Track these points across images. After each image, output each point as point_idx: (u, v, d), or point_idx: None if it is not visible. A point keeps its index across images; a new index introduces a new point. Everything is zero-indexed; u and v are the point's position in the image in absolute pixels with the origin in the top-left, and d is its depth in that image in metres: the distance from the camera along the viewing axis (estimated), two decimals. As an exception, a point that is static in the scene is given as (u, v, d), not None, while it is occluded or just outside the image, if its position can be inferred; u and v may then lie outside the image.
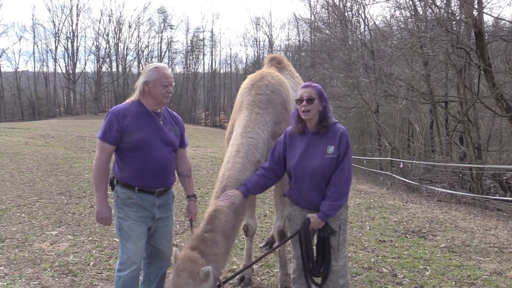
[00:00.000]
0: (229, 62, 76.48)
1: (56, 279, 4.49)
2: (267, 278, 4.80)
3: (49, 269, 4.72)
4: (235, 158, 3.69)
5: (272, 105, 4.07)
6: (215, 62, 78.77)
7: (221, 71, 75.92)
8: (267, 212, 7.82)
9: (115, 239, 5.77)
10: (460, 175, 16.63)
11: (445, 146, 19.50)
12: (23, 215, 6.83)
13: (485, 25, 14.73)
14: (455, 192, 13.67)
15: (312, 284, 3.58)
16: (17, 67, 64.21)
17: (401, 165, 17.71)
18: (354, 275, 4.92)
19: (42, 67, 65.48)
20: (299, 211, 3.57)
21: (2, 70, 61.82)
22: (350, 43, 25.80)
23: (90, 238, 5.83)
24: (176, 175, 3.69)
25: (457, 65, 15.02)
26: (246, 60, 73.20)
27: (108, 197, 3.35)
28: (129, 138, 3.30)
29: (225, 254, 3.43)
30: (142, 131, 3.33)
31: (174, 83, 3.48)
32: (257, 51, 69.12)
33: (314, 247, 3.63)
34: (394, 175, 17.05)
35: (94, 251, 5.35)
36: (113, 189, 3.45)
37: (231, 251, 3.68)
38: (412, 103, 20.44)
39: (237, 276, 4.62)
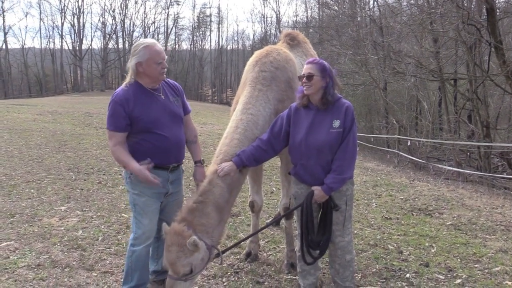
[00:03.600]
0: (236, 38, 76.13)
1: (65, 253, 4.56)
2: (274, 254, 4.84)
3: (58, 244, 4.79)
4: (233, 134, 3.67)
5: (276, 82, 4.00)
6: (222, 38, 78.57)
7: (228, 48, 75.52)
8: (274, 189, 7.85)
9: (123, 214, 5.83)
10: (468, 153, 16.55)
11: (453, 124, 19.34)
12: (32, 190, 6.90)
13: (496, 1, 14.45)
14: (463, 170, 13.64)
15: (308, 256, 3.60)
16: (24, 44, 64.53)
17: (409, 143, 17.66)
18: (360, 251, 4.95)
19: (48, 43, 65.53)
20: (306, 189, 3.58)
21: (9, 46, 61.84)
22: (358, 19, 25.47)
23: (99, 214, 5.89)
24: None
25: (467, 42, 14.78)
26: (253, 37, 72.76)
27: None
28: (139, 123, 3.32)
29: (218, 226, 3.42)
30: (148, 114, 3.33)
31: (167, 57, 3.43)
32: (264, 28, 68.59)
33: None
34: (401, 153, 17.02)
35: (102, 227, 5.41)
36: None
37: (226, 223, 3.68)
38: (420, 80, 20.24)
39: (244, 252, 4.68)
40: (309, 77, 3.43)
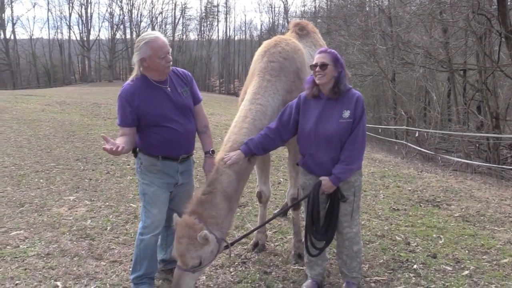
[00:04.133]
0: (243, 29, 76.13)
1: (74, 242, 4.60)
2: (281, 244, 4.85)
3: (67, 233, 4.83)
4: (242, 123, 3.67)
5: (284, 72, 3.98)
6: (230, 29, 78.43)
7: (236, 38, 75.36)
8: (281, 179, 7.86)
9: (131, 204, 5.86)
10: (477, 145, 16.44)
11: (462, 115, 19.19)
12: (41, 180, 6.96)
13: (508, -10, 14.24)
14: (471, 161, 13.57)
15: (311, 247, 3.61)
16: (32, 34, 64.51)
17: (417, 134, 17.57)
18: (367, 242, 4.95)
19: (56, 34, 65.79)
20: (314, 180, 3.58)
21: (17, 37, 62.05)
22: (367, 9, 25.23)
23: (107, 204, 5.92)
24: None
25: (477, 32, 14.62)
26: (261, 27, 72.65)
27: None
28: (145, 118, 3.33)
29: (227, 216, 3.44)
30: (155, 108, 3.34)
31: (170, 49, 3.40)
32: (272, 18, 68.45)
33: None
34: (409, 144, 16.93)
35: (111, 216, 5.45)
36: (135, 156, 3.49)
37: (234, 213, 3.69)
38: (429, 71, 20.10)
39: (251, 242, 4.69)
40: (323, 66, 3.41)
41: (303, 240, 3.99)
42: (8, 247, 4.40)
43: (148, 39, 3.29)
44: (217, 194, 3.34)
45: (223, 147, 3.62)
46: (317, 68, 3.41)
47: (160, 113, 3.34)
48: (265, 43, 4.26)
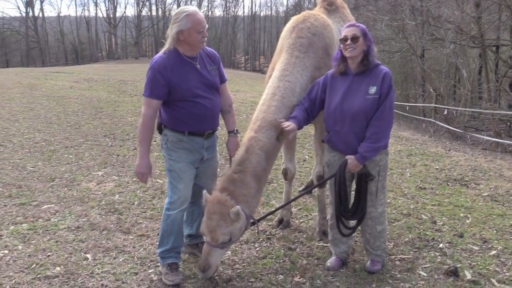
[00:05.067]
0: (269, 4, 75.29)
1: (103, 216, 4.71)
2: (306, 221, 4.87)
3: (96, 208, 4.95)
4: (270, 101, 3.64)
5: (313, 49, 3.91)
6: (255, 4, 77.54)
7: (261, 14, 74.59)
8: (306, 157, 7.84)
9: (158, 180, 5.95)
10: (508, 123, 16.05)
11: (494, 92, 18.70)
12: (70, 156, 7.11)
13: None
14: (502, 140, 13.26)
15: (342, 227, 3.61)
16: (60, 12, 65.39)
17: (445, 112, 17.21)
18: (392, 220, 4.92)
19: (83, 11, 66.65)
20: (339, 157, 3.56)
21: (45, 15, 62.87)
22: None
23: (134, 179, 6.02)
24: None
25: (511, 6, 14.10)
26: (287, 2, 71.67)
27: (149, 152, 3.45)
28: (176, 92, 3.33)
29: (256, 194, 3.47)
30: (186, 83, 3.35)
31: (207, 25, 3.39)
32: (298, -7, 66.98)
33: (353, 193, 3.65)
34: (437, 122, 16.63)
35: (138, 191, 5.55)
36: (161, 133, 3.52)
37: (262, 192, 3.71)
38: (460, 47, 19.57)
39: (276, 218, 4.72)
40: (354, 38, 3.36)
41: (327, 217, 4.00)
42: (40, 220, 4.54)
43: (189, 12, 3.28)
44: (248, 173, 3.36)
45: (251, 126, 3.60)
46: (348, 41, 3.36)
47: (189, 88, 3.36)
48: (294, 19, 4.19)
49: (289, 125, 3.46)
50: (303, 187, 5.99)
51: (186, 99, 3.36)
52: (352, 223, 3.70)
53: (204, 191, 3.36)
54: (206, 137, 3.51)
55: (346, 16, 4.90)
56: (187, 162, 3.46)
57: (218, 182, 3.36)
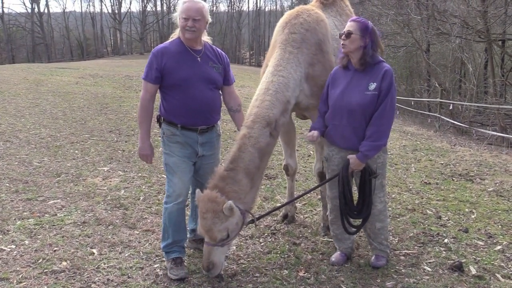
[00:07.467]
0: (274, -1, 74.45)
1: (109, 211, 4.74)
2: (310, 217, 4.88)
3: (102, 203, 4.98)
4: (264, 96, 3.61)
5: (306, 44, 3.86)
6: (260, -1, 76.95)
7: (266, 9, 74.30)
8: (311, 152, 7.84)
9: (163, 175, 5.97)
10: (514, 118, 15.96)
11: (499, 87, 18.58)
12: (76, 151, 7.15)
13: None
14: (507, 135, 13.18)
15: (348, 226, 3.62)
16: (65, 7, 65.36)
17: (451, 107, 17.14)
18: (397, 216, 4.92)
19: (88, 7, 66.51)
20: (337, 151, 3.57)
21: (51, 10, 62.99)
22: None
23: (140, 174, 6.06)
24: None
25: (518, 0, 14.00)
26: (292, -3, 70.99)
27: (150, 136, 3.52)
28: (169, 77, 3.40)
29: (250, 192, 3.42)
30: (181, 71, 3.39)
31: (198, 17, 3.36)
32: (303, -12, 66.73)
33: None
34: (442, 117, 16.56)
35: (143, 187, 5.57)
36: (160, 126, 3.56)
37: (258, 188, 3.67)
38: (466, 41, 19.44)
39: (281, 214, 4.73)
40: (348, 34, 3.38)
41: (327, 213, 3.99)
42: (46, 215, 4.57)
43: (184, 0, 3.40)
44: (240, 171, 3.32)
45: (244, 121, 3.57)
46: (343, 37, 3.41)
47: (184, 77, 3.39)
48: (287, 14, 4.16)
49: (312, 134, 3.56)
50: (309, 187, 5.99)
51: (178, 88, 3.40)
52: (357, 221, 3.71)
53: (197, 190, 3.36)
54: (200, 133, 3.52)
55: (343, 9, 4.76)
56: (181, 156, 3.48)
57: (209, 180, 3.33)
